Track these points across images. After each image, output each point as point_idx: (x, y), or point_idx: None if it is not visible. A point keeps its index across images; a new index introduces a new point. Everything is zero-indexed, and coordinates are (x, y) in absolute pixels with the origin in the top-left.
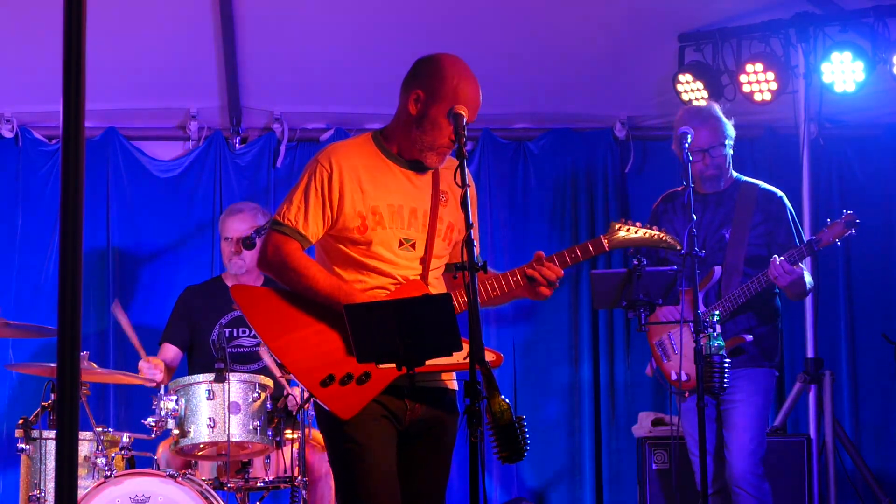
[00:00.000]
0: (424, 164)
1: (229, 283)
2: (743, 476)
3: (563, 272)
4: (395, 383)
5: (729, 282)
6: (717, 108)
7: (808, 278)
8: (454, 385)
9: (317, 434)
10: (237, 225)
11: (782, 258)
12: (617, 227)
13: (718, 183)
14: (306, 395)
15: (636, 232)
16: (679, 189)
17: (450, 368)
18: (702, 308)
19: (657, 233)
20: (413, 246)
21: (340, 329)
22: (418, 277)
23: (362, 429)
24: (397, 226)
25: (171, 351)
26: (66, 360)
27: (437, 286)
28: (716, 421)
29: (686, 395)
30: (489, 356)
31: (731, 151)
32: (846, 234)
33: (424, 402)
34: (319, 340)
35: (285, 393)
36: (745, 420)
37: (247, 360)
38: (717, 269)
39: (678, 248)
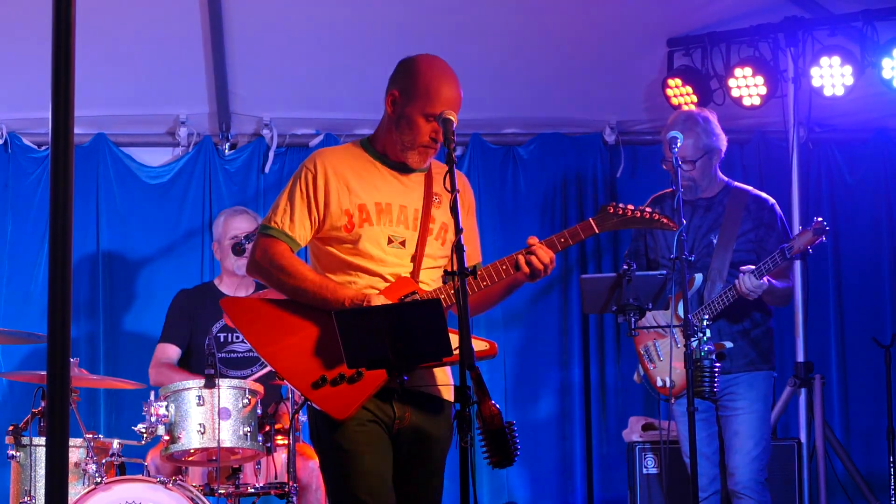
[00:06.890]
0: (408, 164)
1: (223, 289)
2: (748, 483)
3: (555, 255)
4: (387, 386)
5: (713, 287)
6: (708, 119)
7: (782, 285)
8: (450, 395)
9: (302, 446)
10: (243, 225)
11: (749, 272)
12: (609, 209)
13: (695, 191)
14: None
15: (629, 213)
16: (668, 192)
17: (437, 365)
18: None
19: (649, 210)
20: (403, 244)
21: (330, 331)
22: (409, 276)
23: (350, 435)
24: (385, 222)
25: (172, 350)
26: (56, 367)
27: (430, 286)
28: (716, 424)
29: (672, 400)
30: (481, 345)
31: (714, 161)
32: (817, 242)
33: (416, 411)
34: (310, 344)
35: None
36: (749, 427)
37: (240, 366)
38: (698, 277)
39: (673, 227)
